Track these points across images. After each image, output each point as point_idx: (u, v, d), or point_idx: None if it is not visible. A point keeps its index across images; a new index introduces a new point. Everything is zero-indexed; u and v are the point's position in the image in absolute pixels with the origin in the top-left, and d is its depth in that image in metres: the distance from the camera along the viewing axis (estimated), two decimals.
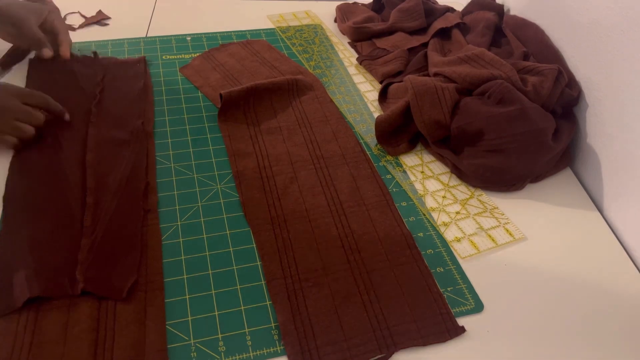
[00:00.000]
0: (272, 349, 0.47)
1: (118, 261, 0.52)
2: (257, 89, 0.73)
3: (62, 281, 0.49)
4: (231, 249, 0.55)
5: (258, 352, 0.47)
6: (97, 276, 0.50)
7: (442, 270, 0.55)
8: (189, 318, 0.49)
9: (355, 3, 0.98)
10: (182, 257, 0.54)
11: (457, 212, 0.61)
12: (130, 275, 0.51)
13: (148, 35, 0.88)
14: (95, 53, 0.79)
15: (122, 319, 0.47)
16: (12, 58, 0.78)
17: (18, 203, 0.57)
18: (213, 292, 0.51)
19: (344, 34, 0.93)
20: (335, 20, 0.97)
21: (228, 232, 0.57)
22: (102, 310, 0.48)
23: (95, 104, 0.70)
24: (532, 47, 0.76)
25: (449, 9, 0.92)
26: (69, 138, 0.65)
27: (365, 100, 0.78)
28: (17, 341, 0.45)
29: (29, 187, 0.58)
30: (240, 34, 0.90)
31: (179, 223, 0.57)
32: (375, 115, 0.74)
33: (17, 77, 0.76)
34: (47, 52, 0.76)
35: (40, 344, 0.45)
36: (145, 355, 0.45)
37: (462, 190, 0.64)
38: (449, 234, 0.59)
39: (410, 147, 0.70)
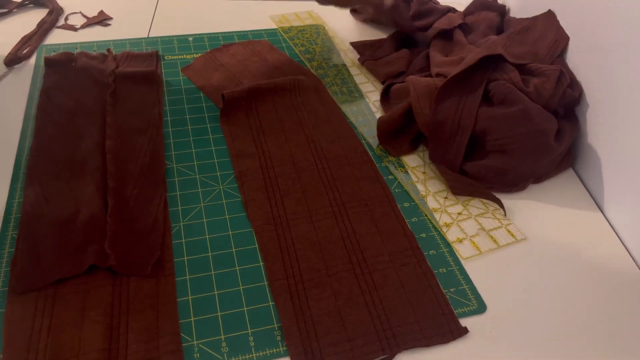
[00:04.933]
0: (275, 350, 0.47)
1: (141, 241, 0.54)
2: (259, 89, 0.74)
3: (89, 257, 0.51)
4: (234, 250, 0.55)
5: (261, 353, 0.47)
6: (121, 255, 0.52)
7: (444, 271, 0.55)
8: (192, 319, 0.49)
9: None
10: (185, 258, 0.54)
11: (459, 213, 0.61)
12: (153, 252, 0.53)
13: (150, 36, 0.88)
14: (109, 50, 0.80)
15: (136, 304, 0.49)
16: (17, 56, 0.78)
17: (41, 186, 0.58)
18: (216, 292, 0.51)
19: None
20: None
21: (230, 232, 0.57)
22: (116, 296, 0.49)
23: (110, 94, 0.71)
24: None
25: (451, 9, 0.92)
26: (89, 125, 0.66)
27: (367, 100, 0.78)
28: (36, 324, 0.46)
29: (51, 171, 0.60)
30: (242, 35, 0.91)
31: (181, 223, 0.57)
32: (377, 115, 0.74)
33: (20, 76, 0.76)
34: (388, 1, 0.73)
35: (58, 326, 0.46)
36: (159, 339, 0.46)
37: None
38: (451, 235, 0.59)
39: (412, 148, 0.70)
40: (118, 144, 0.64)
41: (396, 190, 0.64)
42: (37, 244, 0.52)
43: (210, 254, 0.55)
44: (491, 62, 0.65)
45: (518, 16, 0.85)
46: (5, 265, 0.52)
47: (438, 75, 0.72)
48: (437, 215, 0.61)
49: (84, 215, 0.55)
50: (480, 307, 0.52)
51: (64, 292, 0.49)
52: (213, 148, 0.68)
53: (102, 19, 0.91)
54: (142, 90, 0.73)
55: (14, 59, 0.78)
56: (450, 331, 0.49)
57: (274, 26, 0.94)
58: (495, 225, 0.60)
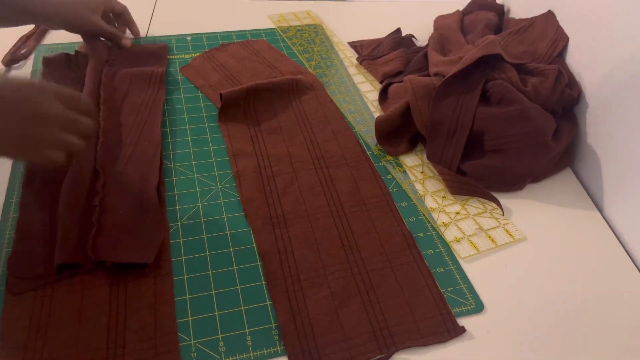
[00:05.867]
0: (272, 349, 0.47)
1: (138, 227, 0.54)
2: (258, 88, 0.74)
3: (83, 248, 0.51)
4: (231, 249, 0.55)
5: (258, 353, 0.47)
6: (119, 246, 0.52)
7: (442, 270, 0.55)
8: (189, 318, 0.49)
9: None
10: (183, 257, 0.54)
11: (457, 213, 0.61)
12: (155, 236, 0.53)
13: (148, 35, 0.88)
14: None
15: (133, 303, 0.49)
16: (16, 56, 0.78)
17: (38, 186, 0.58)
18: (213, 292, 0.51)
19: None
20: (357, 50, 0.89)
21: (228, 232, 0.57)
22: (113, 295, 0.49)
23: (109, 66, 0.74)
24: None
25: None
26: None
27: (366, 100, 0.78)
28: (33, 323, 0.47)
29: (48, 170, 0.60)
30: (241, 34, 0.90)
31: (179, 223, 0.57)
32: (376, 115, 0.74)
33: (20, 76, 0.76)
34: (126, 42, 0.80)
35: (55, 326, 0.47)
36: (157, 338, 0.46)
37: None
38: (449, 235, 0.59)
39: (410, 147, 0.70)
40: (113, 126, 0.65)
41: (394, 189, 0.64)
42: (33, 244, 0.52)
43: (207, 253, 0.55)
44: (489, 62, 0.65)
45: (518, 16, 0.85)
46: (3, 265, 0.51)
47: (436, 74, 0.72)
48: (435, 215, 0.61)
49: (77, 211, 0.55)
50: (477, 307, 0.52)
51: (61, 292, 0.49)
52: (211, 147, 0.67)
53: None
54: (142, 88, 0.73)
55: (13, 59, 0.78)
56: (447, 330, 0.49)
57: (272, 26, 0.94)
58: (493, 225, 0.60)
